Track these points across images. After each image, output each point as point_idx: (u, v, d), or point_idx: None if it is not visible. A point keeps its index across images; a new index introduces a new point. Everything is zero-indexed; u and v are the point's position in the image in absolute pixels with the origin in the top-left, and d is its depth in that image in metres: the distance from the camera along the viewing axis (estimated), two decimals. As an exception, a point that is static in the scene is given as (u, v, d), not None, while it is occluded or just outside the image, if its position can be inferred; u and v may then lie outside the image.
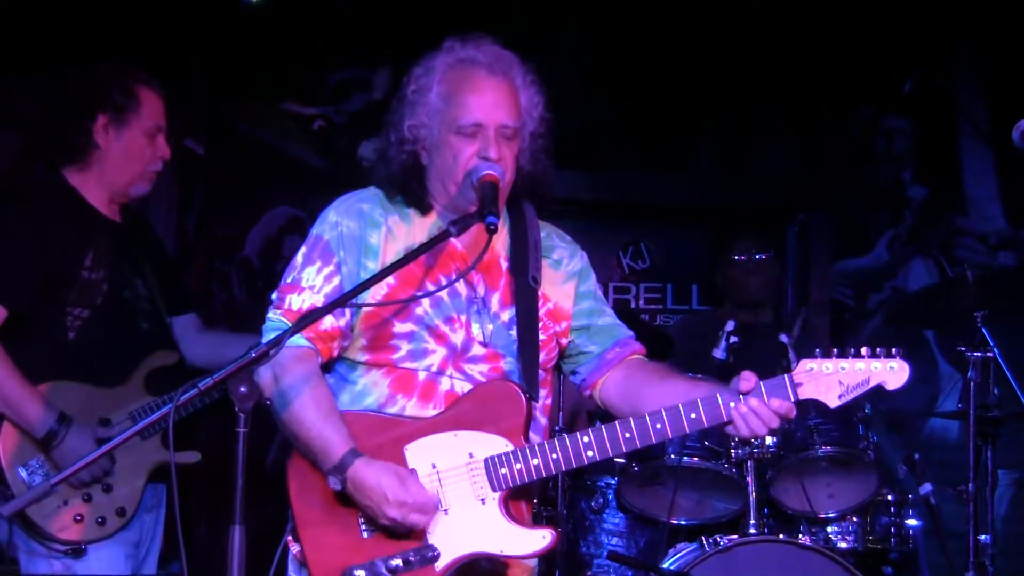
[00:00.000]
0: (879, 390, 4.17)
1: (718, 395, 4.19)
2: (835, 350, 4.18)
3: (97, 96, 5.69)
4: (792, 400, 4.17)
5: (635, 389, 4.44)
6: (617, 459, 6.62)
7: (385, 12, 8.31)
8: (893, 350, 4.16)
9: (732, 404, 4.16)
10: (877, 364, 4.16)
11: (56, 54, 7.62)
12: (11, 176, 7.45)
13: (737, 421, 4.16)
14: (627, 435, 4.17)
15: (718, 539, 6.21)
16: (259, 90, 8.49)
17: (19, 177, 6.81)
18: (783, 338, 6.56)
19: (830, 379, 4.17)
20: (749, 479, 6.45)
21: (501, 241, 4.42)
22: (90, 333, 5.58)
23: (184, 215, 8.34)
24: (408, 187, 4.35)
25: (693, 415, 4.19)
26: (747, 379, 4.19)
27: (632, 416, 4.21)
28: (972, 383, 6.52)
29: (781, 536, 6.38)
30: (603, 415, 5.15)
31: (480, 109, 4.23)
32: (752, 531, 6.38)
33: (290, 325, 4.09)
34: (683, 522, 6.75)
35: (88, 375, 5.56)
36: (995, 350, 6.55)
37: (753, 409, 4.15)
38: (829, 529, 6.65)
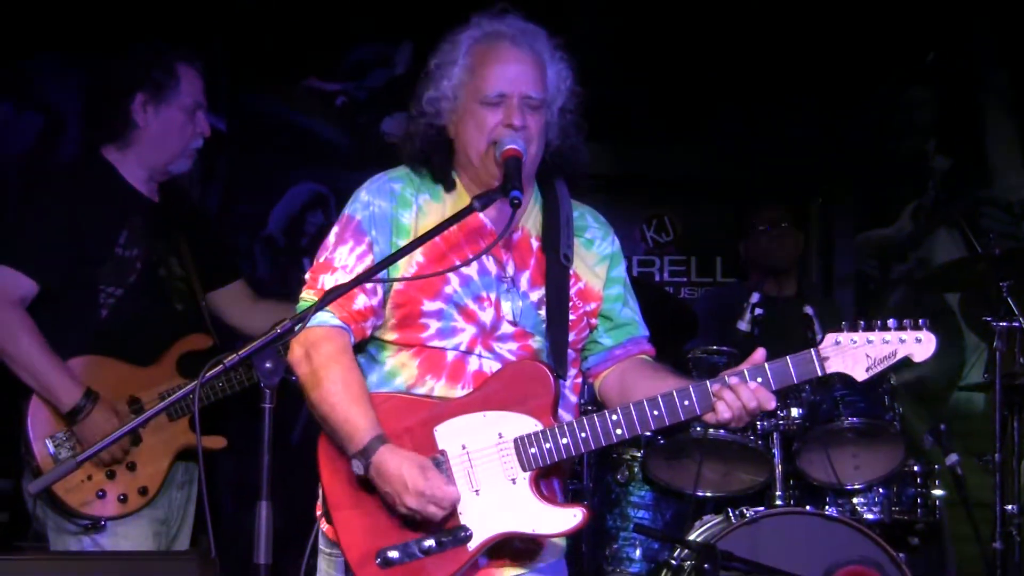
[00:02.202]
0: (906, 362, 4.16)
1: (708, 383, 4.18)
2: (861, 323, 4.16)
3: (136, 75, 5.72)
4: (819, 374, 4.16)
5: (629, 386, 4.43)
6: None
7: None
8: (920, 321, 4.14)
9: (715, 387, 4.15)
10: (904, 336, 4.14)
11: (78, 33, 7.63)
12: (40, 156, 7.51)
13: (718, 404, 4.14)
14: (655, 412, 4.15)
15: (744, 511, 6.23)
16: (281, 67, 8.48)
17: (49, 158, 6.86)
18: (808, 310, 6.56)
19: (857, 352, 4.14)
20: (775, 451, 6.46)
21: (532, 220, 4.42)
22: (122, 311, 5.62)
23: (207, 193, 8.35)
24: (432, 161, 4.35)
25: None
26: (756, 354, 4.21)
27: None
28: (998, 353, 6.51)
29: (807, 508, 6.39)
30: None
31: (504, 79, 4.23)
32: (778, 503, 6.40)
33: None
34: (709, 494, 6.76)
35: (120, 353, 5.61)
36: (1021, 319, 6.54)
37: (732, 386, 4.14)
38: (855, 500, 6.66)
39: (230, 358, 3.74)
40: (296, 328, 3.82)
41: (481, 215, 4.25)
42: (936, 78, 8.92)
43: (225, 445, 5.69)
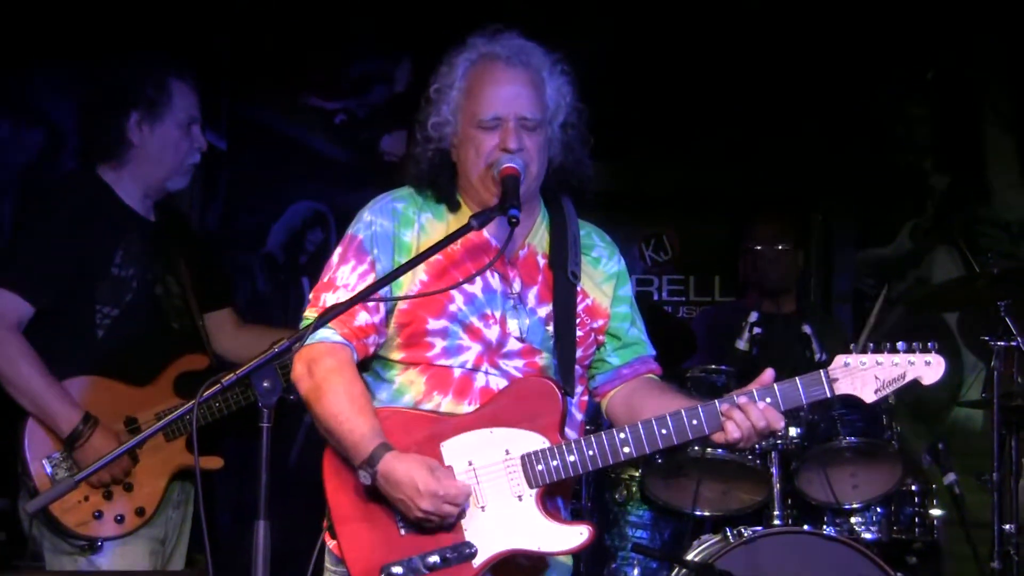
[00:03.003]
0: (915, 384, 4.17)
1: (716, 402, 4.18)
2: (871, 344, 4.17)
3: (129, 93, 5.70)
4: (828, 395, 4.17)
5: (637, 405, 4.44)
6: (641, 452, 6.63)
7: (405, 4, 8.30)
8: (929, 344, 4.16)
9: (724, 407, 4.16)
10: (913, 358, 4.15)
11: (79, 47, 7.63)
12: (41, 172, 7.50)
13: (727, 424, 4.14)
14: (663, 431, 4.16)
15: (742, 530, 6.20)
16: (281, 84, 8.49)
17: (50, 174, 6.83)
18: (806, 329, 6.56)
19: (866, 374, 4.15)
20: (773, 470, 6.45)
21: (539, 237, 4.43)
22: (119, 332, 5.61)
23: (207, 209, 8.35)
24: (437, 182, 4.37)
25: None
26: (765, 374, 4.22)
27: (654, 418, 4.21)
28: (996, 372, 6.51)
29: (805, 527, 6.39)
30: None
31: (499, 102, 4.25)
32: (776, 522, 6.38)
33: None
34: (707, 514, 6.75)
35: (116, 373, 5.59)
36: (1019, 339, 6.54)
37: (741, 405, 4.14)
38: (853, 520, 6.66)
39: (227, 377, 3.73)
40: (295, 347, 3.83)
41: (485, 232, 4.28)
42: (935, 95, 8.92)
43: (222, 465, 5.68)
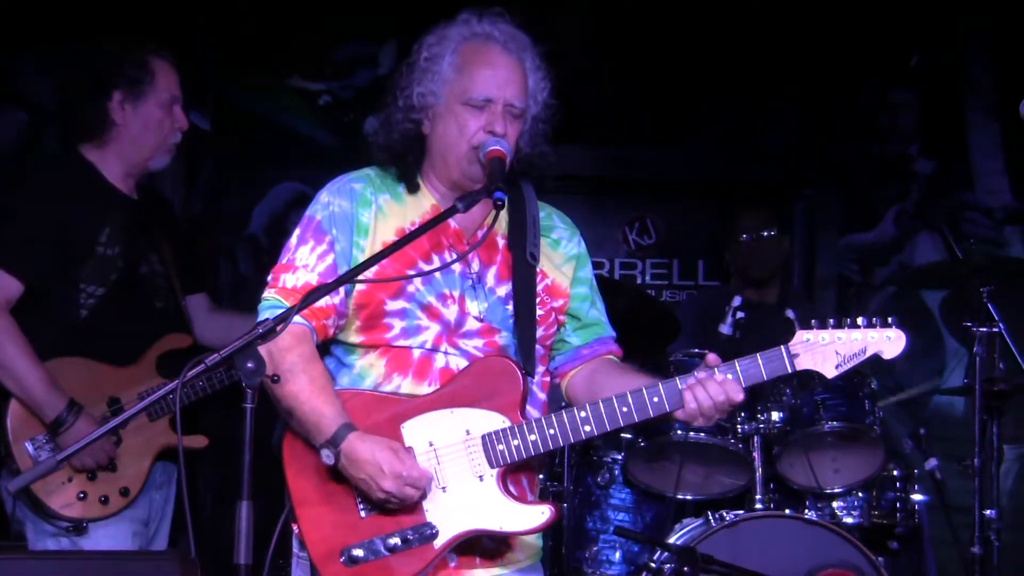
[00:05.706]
0: (876, 359, 4.17)
1: (677, 379, 4.19)
2: (831, 320, 4.18)
3: (111, 73, 5.69)
4: (790, 371, 4.17)
5: (597, 384, 4.44)
6: (623, 435, 6.64)
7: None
8: (889, 319, 4.17)
9: (684, 383, 4.16)
10: (873, 333, 4.17)
11: (62, 29, 7.61)
12: (25, 153, 7.48)
13: (687, 398, 4.16)
14: (624, 409, 4.17)
15: (724, 514, 6.23)
16: (265, 66, 8.47)
17: (34, 153, 6.80)
18: (790, 313, 6.56)
19: (826, 349, 4.17)
20: (755, 454, 6.47)
21: (499, 219, 4.42)
22: (103, 311, 5.59)
23: (190, 192, 8.33)
24: (404, 158, 4.37)
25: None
26: (709, 357, 4.22)
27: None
28: (978, 358, 6.53)
29: (787, 511, 6.41)
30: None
31: (493, 84, 4.26)
32: (758, 506, 6.40)
33: (284, 302, 4.16)
34: (689, 497, 6.77)
35: (99, 353, 5.58)
36: (1001, 325, 6.55)
37: (700, 380, 4.15)
38: (835, 504, 6.67)
39: (211, 357, 3.74)
40: (279, 328, 3.81)
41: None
42: (920, 81, 8.93)
43: (206, 444, 5.68)
